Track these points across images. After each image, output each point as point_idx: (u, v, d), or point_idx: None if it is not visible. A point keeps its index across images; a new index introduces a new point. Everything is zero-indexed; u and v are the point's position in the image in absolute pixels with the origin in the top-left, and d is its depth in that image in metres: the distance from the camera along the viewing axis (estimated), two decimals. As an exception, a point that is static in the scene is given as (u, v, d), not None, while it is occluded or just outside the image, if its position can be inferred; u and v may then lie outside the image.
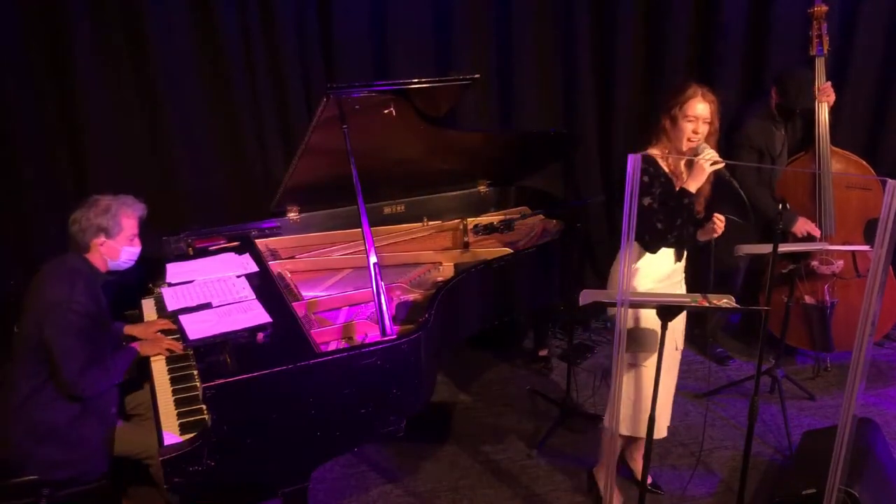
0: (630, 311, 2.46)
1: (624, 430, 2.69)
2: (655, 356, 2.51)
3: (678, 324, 2.66)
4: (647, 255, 2.56)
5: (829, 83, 3.48)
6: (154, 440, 2.26)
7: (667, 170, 2.55)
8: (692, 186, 2.46)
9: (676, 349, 2.72)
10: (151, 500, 2.70)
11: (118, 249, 2.57)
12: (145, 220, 3.45)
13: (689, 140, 2.46)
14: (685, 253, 2.68)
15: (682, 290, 2.70)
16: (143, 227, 2.67)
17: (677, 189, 2.50)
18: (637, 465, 2.94)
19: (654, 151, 2.55)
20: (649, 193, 2.48)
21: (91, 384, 2.42)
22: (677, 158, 2.54)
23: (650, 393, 2.57)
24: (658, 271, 2.60)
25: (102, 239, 2.53)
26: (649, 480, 2.90)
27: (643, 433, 2.64)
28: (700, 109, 2.44)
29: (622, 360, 2.29)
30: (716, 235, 2.53)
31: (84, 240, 2.52)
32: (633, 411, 2.67)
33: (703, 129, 2.45)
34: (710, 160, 2.41)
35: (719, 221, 2.51)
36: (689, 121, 2.45)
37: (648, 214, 2.45)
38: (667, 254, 2.60)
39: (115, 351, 2.60)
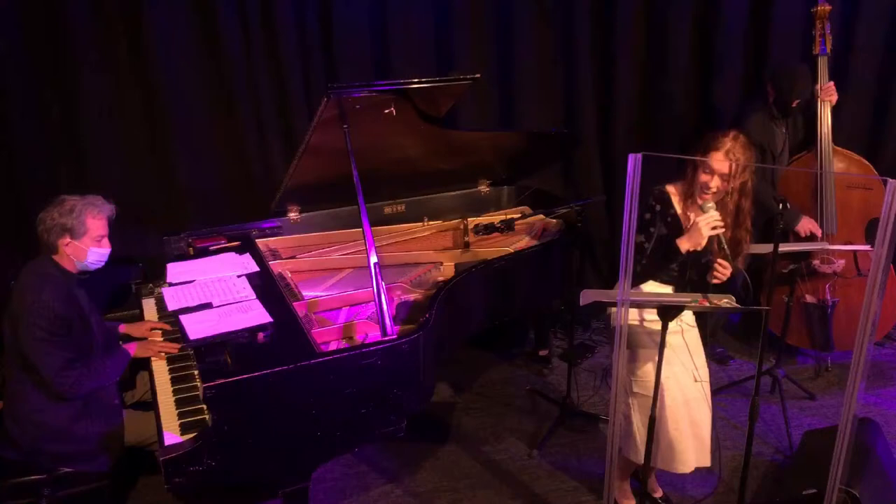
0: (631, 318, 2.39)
1: (637, 458, 2.58)
2: (648, 383, 2.48)
3: (696, 351, 2.53)
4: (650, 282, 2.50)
5: (832, 83, 3.48)
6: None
7: (679, 210, 2.47)
8: (684, 246, 2.37)
9: (696, 381, 2.54)
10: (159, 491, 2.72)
11: (84, 250, 2.51)
12: (146, 220, 3.45)
13: (702, 193, 2.37)
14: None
15: (688, 336, 2.55)
16: (113, 226, 2.59)
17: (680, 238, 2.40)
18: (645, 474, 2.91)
19: (670, 188, 2.48)
20: (645, 231, 2.43)
21: (74, 384, 2.43)
22: (690, 203, 2.46)
23: (667, 425, 2.50)
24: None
25: (67, 240, 2.48)
26: (661, 494, 2.90)
27: (639, 460, 2.59)
28: (719, 164, 2.33)
29: (622, 360, 2.28)
30: (715, 282, 2.40)
31: (49, 240, 2.48)
32: (635, 439, 2.57)
33: (718, 183, 2.35)
34: (709, 224, 2.31)
35: (722, 268, 2.38)
36: (706, 172, 2.35)
37: (637, 252, 2.32)
38: (665, 288, 2.53)
39: (107, 352, 2.60)
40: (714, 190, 2.37)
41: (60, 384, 2.41)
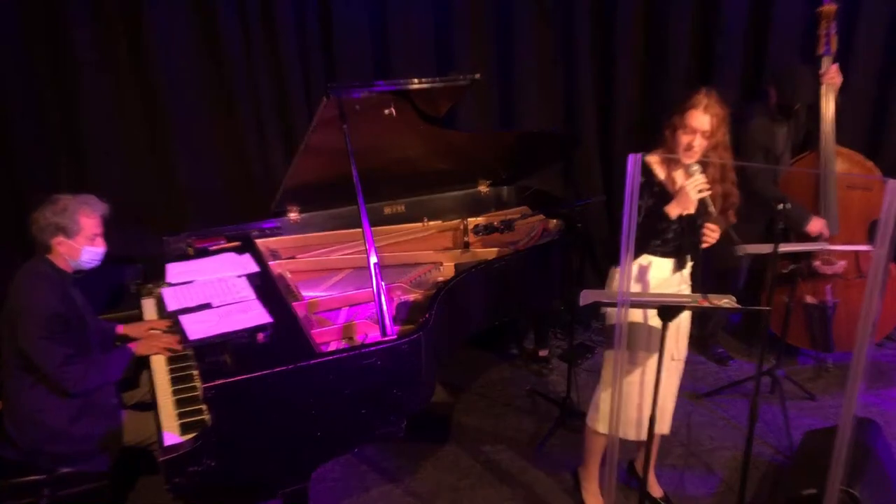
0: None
1: (601, 427, 2.64)
2: (641, 360, 2.52)
3: (673, 334, 2.54)
4: (645, 257, 2.52)
5: (836, 65, 3.45)
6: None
7: (662, 177, 2.48)
8: (673, 212, 2.39)
9: (673, 359, 2.61)
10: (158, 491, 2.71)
11: (78, 249, 2.50)
12: (146, 220, 3.44)
13: (685, 153, 2.36)
14: (688, 263, 2.58)
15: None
16: (107, 225, 2.59)
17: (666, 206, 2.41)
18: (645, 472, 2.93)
19: (650, 158, 2.46)
20: None
21: (78, 378, 2.42)
22: (672, 167, 2.47)
23: (633, 398, 2.56)
24: (654, 277, 2.54)
25: (61, 238, 2.47)
26: (661, 494, 2.89)
27: (623, 434, 2.62)
28: (699, 121, 2.32)
29: (622, 360, 2.28)
30: (705, 245, 2.45)
31: (43, 239, 2.48)
32: (614, 411, 2.57)
33: (700, 142, 2.35)
34: (696, 188, 2.32)
35: (710, 232, 2.43)
36: (686, 133, 2.35)
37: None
38: (665, 261, 2.53)
39: (108, 350, 2.60)
40: (696, 149, 2.36)
41: (64, 379, 2.41)
